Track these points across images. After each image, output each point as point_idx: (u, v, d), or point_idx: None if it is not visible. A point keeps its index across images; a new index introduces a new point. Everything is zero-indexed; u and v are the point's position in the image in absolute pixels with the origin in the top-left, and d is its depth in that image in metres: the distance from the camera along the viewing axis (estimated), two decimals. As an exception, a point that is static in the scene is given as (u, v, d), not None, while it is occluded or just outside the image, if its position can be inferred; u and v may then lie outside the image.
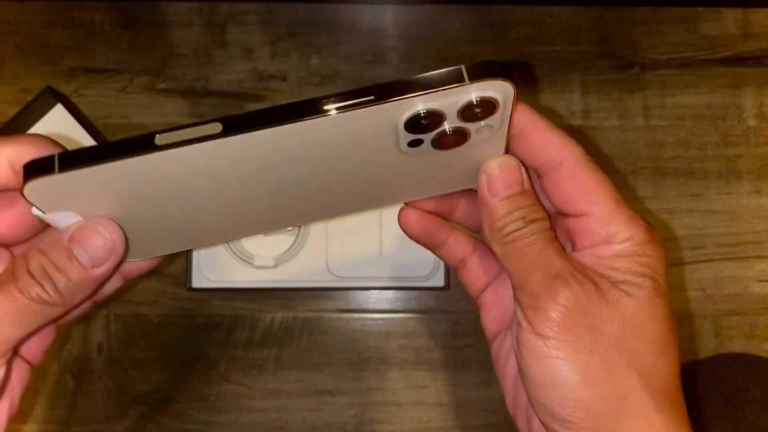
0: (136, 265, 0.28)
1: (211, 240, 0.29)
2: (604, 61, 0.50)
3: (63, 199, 0.22)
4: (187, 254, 0.46)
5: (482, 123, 0.23)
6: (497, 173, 0.25)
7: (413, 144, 0.23)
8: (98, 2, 0.49)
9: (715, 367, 0.44)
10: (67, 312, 0.25)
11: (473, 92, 0.22)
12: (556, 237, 0.26)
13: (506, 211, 0.25)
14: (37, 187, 0.21)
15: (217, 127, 0.21)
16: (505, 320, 0.30)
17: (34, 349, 0.28)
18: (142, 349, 0.48)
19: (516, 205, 0.25)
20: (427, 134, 0.23)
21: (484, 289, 0.31)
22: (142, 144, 0.21)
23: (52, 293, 0.23)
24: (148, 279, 0.48)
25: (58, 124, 0.45)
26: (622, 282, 0.25)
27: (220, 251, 0.46)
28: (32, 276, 0.23)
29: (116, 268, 0.25)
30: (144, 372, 0.47)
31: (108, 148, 0.21)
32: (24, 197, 0.21)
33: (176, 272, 0.48)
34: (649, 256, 0.25)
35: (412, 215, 0.30)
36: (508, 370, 0.29)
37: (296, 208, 0.27)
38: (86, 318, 0.48)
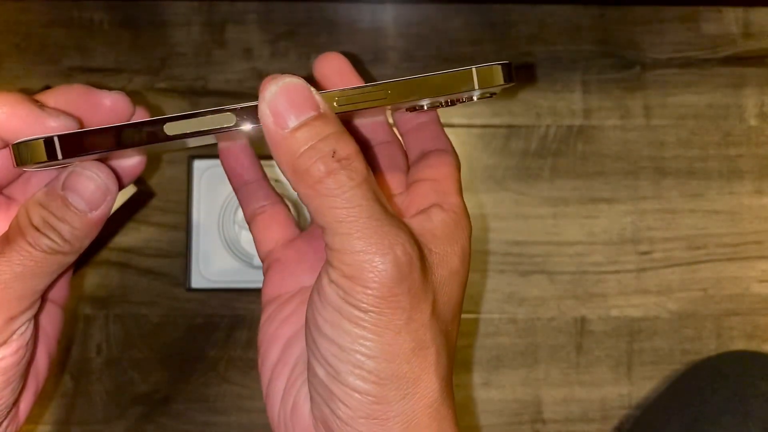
0: (128, 169, 0.28)
1: None
2: (604, 60, 0.50)
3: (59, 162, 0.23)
4: (186, 254, 0.46)
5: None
6: (278, 96, 0.20)
7: None
8: (97, 1, 0.49)
9: (722, 363, 0.44)
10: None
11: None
12: (376, 183, 0.22)
13: (305, 143, 0.20)
14: (36, 166, 0.22)
15: (230, 119, 0.21)
16: (293, 284, 0.27)
17: (58, 290, 0.29)
18: (141, 350, 0.47)
19: (316, 134, 0.20)
20: None
21: (273, 248, 0.28)
22: (151, 134, 0.21)
23: (60, 242, 0.23)
24: (147, 279, 0.48)
25: (57, 124, 0.45)
26: (438, 254, 0.23)
27: (219, 251, 0.46)
28: (37, 229, 0.23)
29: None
30: (143, 373, 0.47)
31: (115, 133, 0.21)
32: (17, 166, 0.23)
33: (175, 273, 0.48)
34: (463, 238, 0.24)
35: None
36: (280, 332, 0.26)
37: None
38: (85, 318, 0.48)
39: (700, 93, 0.50)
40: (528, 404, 0.48)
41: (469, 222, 0.25)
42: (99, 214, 0.24)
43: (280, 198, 0.29)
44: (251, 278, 0.46)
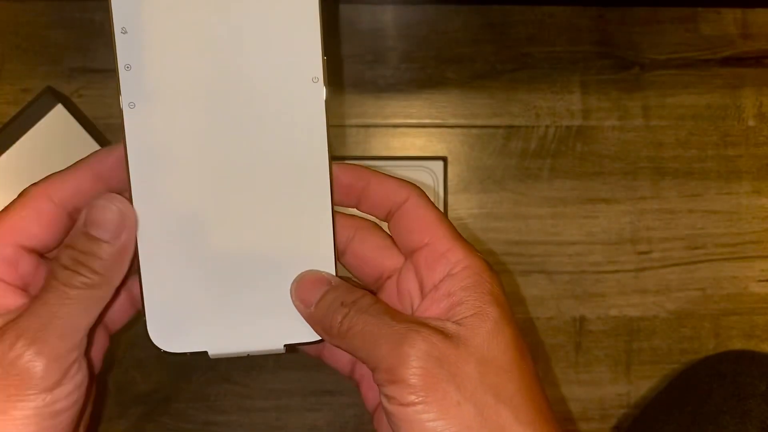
0: (119, 314, 0.29)
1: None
2: (603, 61, 0.50)
3: None
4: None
5: None
6: (299, 287, 0.27)
7: None
8: (99, 2, 0.49)
9: (720, 363, 0.44)
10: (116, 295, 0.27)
11: None
12: (387, 306, 0.26)
13: (325, 307, 0.26)
14: None
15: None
16: None
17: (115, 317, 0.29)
18: (142, 349, 0.48)
19: (329, 299, 0.26)
20: None
21: (354, 364, 0.31)
22: None
23: (92, 276, 0.24)
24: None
25: (59, 125, 0.45)
26: (472, 316, 0.25)
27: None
28: (67, 268, 0.24)
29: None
30: (144, 372, 0.48)
31: None
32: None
33: (176, 272, 0.48)
34: (489, 283, 0.26)
35: None
36: None
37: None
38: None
39: (698, 93, 0.50)
40: (527, 403, 0.48)
41: (485, 265, 0.26)
42: (123, 241, 0.25)
43: None
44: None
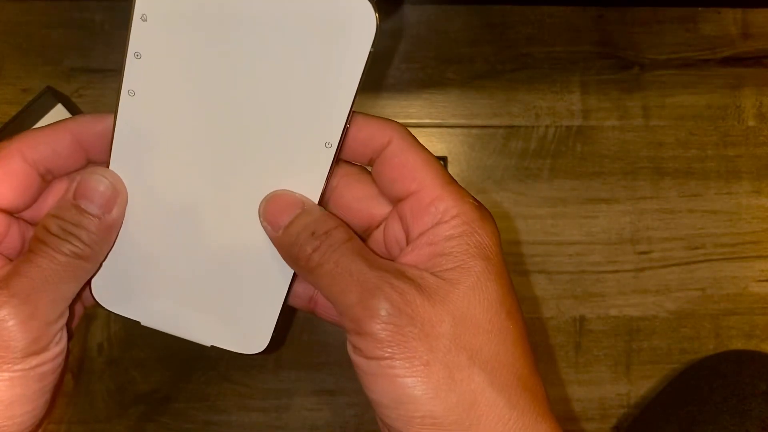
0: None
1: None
2: (603, 61, 0.50)
3: None
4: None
5: None
6: (269, 206, 0.25)
7: None
8: (98, 2, 0.49)
9: (720, 363, 0.44)
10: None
11: None
12: (362, 245, 0.24)
13: (295, 234, 0.24)
14: None
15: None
16: None
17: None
18: (142, 349, 0.48)
19: (300, 225, 0.24)
20: None
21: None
22: None
23: (81, 246, 0.24)
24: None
25: (59, 124, 0.45)
26: (453, 269, 0.23)
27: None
28: (57, 236, 0.24)
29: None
30: (144, 372, 0.48)
31: None
32: None
33: (176, 272, 0.48)
34: (479, 234, 0.24)
35: None
36: None
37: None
38: (86, 317, 0.48)
39: (698, 93, 0.50)
40: (527, 403, 0.48)
41: (478, 214, 0.24)
42: (113, 216, 0.25)
43: None
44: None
